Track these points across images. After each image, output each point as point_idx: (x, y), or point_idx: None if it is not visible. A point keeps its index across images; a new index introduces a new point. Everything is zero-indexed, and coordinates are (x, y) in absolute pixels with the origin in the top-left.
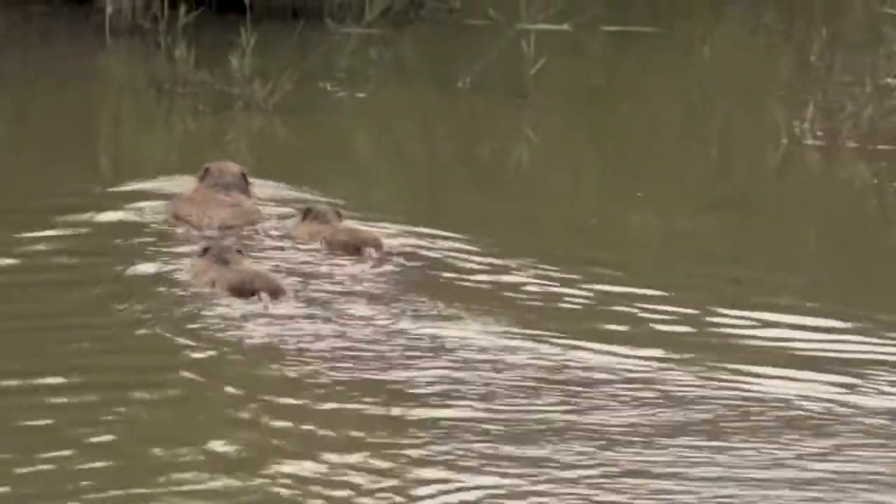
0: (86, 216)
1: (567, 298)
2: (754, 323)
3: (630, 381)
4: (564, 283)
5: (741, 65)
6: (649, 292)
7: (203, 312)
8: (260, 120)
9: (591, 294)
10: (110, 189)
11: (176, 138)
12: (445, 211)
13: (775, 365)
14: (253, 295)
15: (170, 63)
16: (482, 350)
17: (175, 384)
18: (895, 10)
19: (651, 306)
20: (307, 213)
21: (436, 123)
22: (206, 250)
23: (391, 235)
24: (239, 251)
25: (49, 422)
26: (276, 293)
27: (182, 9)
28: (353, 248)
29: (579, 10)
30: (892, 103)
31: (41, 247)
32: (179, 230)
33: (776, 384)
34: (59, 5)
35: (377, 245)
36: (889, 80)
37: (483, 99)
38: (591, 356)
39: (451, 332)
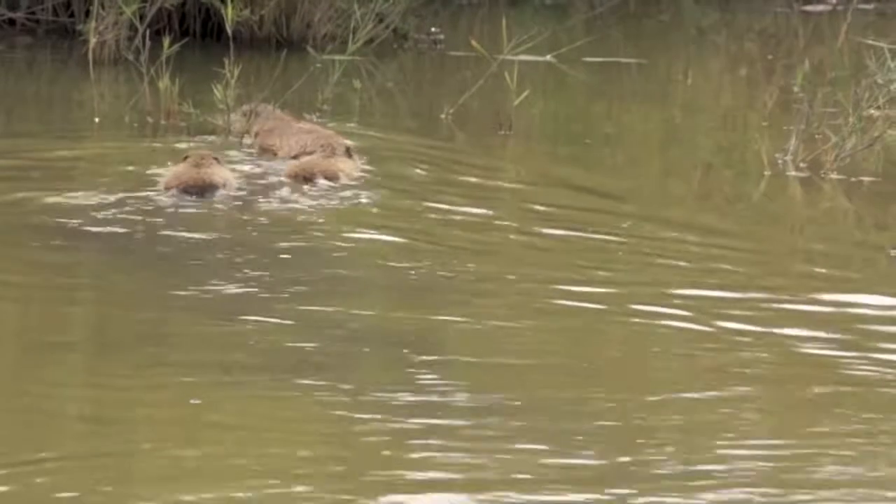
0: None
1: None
2: None
3: None
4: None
5: (724, 95)
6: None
7: None
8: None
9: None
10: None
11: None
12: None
13: None
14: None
15: (153, 94)
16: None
17: None
18: (877, 41)
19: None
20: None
21: (419, 154)
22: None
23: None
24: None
25: None
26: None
27: (166, 40)
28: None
29: (561, 42)
30: (875, 134)
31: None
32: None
33: None
34: (42, 37)
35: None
36: (872, 111)
37: (466, 130)
38: None
39: None
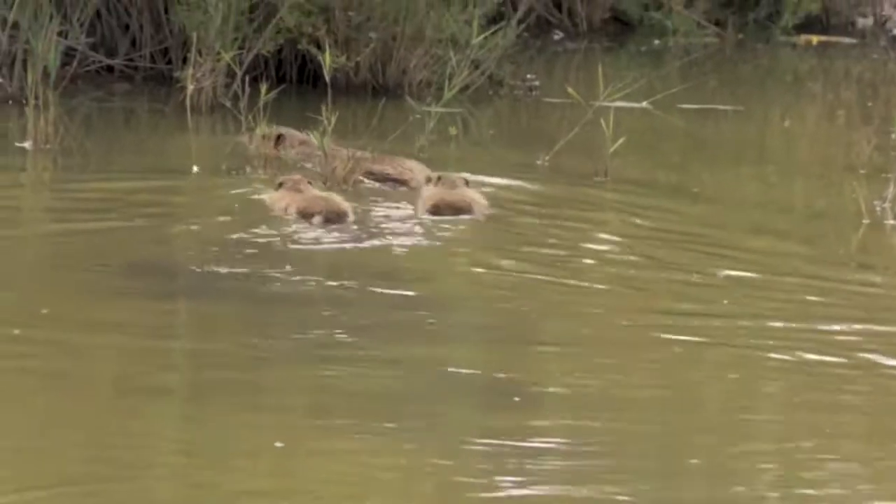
0: None
1: None
2: None
3: None
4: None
5: (821, 142)
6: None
7: None
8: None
9: None
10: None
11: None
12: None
13: None
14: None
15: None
16: None
17: None
18: None
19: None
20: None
21: (516, 200)
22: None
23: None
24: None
25: None
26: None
27: (263, 86)
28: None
29: (657, 89)
30: None
31: None
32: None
33: None
34: (140, 84)
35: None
36: None
37: (562, 176)
38: None
39: None
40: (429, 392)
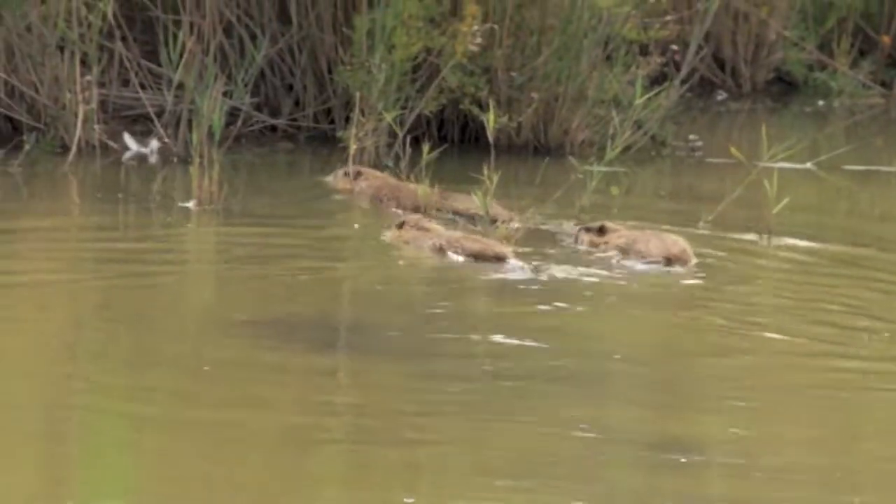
0: None
1: None
2: None
3: None
4: None
5: None
6: None
7: None
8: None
9: None
10: None
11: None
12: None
13: None
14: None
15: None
16: None
17: None
18: None
19: None
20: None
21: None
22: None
23: None
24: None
25: None
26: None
27: (425, 146)
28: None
29: (821, 149)
30: None
31: None
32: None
33: None
34: (303, 143)
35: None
36: None
37: (725, 236)
38: None
39: None
40: (592, 451)
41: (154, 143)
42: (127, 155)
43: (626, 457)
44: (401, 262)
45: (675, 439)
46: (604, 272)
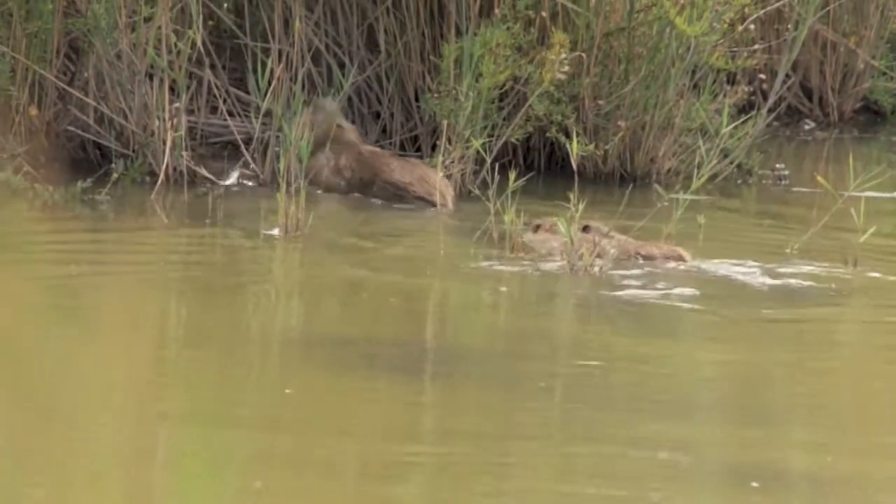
0: None
1: None
2: None
3: None
4: None
5: None
6: None
7: None
8: (587, 285)
9: None
10: None
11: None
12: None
13: None
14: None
15: (498, 227)
16: None
17: None
18: None
19: None
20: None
21: (763, 287)
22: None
23: None
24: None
25: None
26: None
27: (512, 174)
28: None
29: None
30: None
31: None
32: None
33: None
34: None
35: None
36: None
37: (811, 265)
38: None
39: None
40: (670, 472)
41: (241, 171)
42: (216, 182)
43: (714, 481)
44: (488, 284)
45: (750, 461)
46: (695, 292)
